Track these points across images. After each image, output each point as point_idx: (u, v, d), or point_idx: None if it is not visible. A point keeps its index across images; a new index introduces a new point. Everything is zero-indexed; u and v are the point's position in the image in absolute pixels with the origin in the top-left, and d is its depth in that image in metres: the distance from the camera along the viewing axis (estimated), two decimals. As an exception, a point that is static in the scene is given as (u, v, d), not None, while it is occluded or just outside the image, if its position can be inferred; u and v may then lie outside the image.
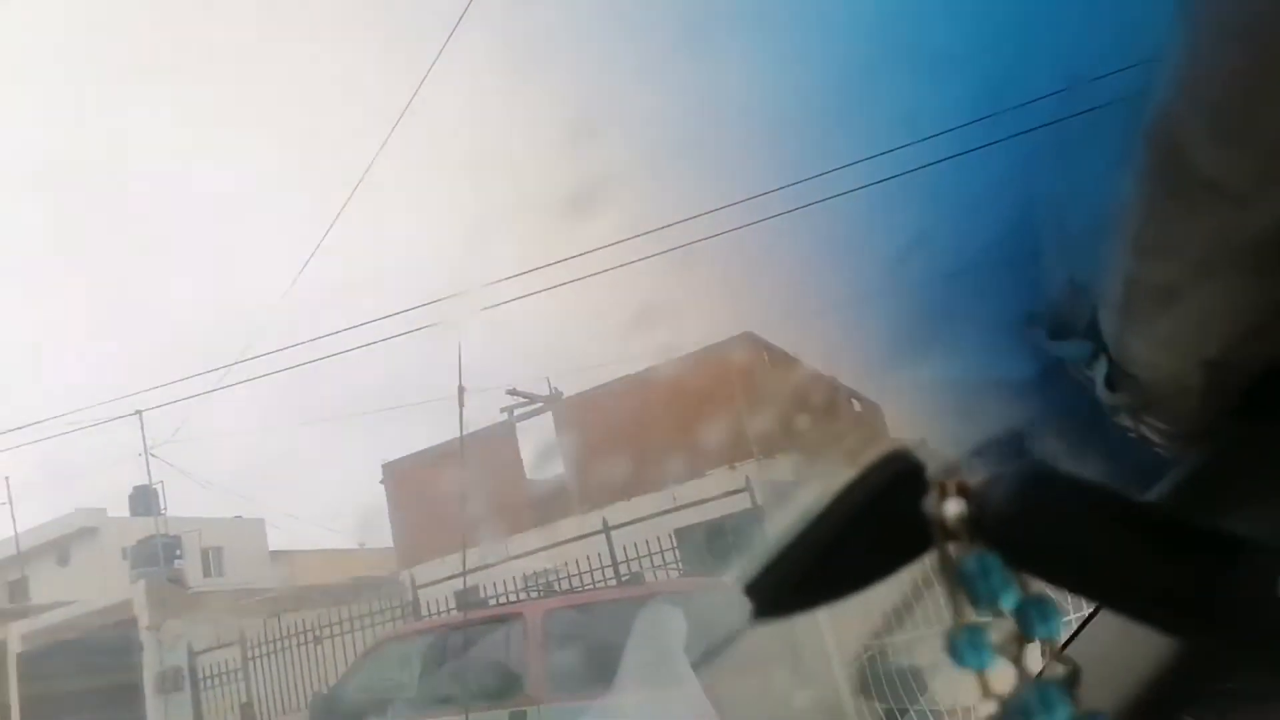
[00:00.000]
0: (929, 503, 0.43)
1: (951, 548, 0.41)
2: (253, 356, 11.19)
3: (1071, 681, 0.40)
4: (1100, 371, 0.72)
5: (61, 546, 21.43)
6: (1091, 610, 0.83)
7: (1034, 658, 0.41)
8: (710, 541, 10.72)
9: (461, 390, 5.94)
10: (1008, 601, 0.40)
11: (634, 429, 14.55)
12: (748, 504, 10.28)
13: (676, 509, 11.52)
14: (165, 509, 18.58)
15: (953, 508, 0.42)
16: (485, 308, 9.30)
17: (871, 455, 0.45)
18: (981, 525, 0.41)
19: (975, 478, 0.44)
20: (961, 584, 0.40)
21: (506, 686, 6.51)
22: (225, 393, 12.83)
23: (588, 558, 10.20)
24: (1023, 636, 0.40)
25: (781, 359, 15.91)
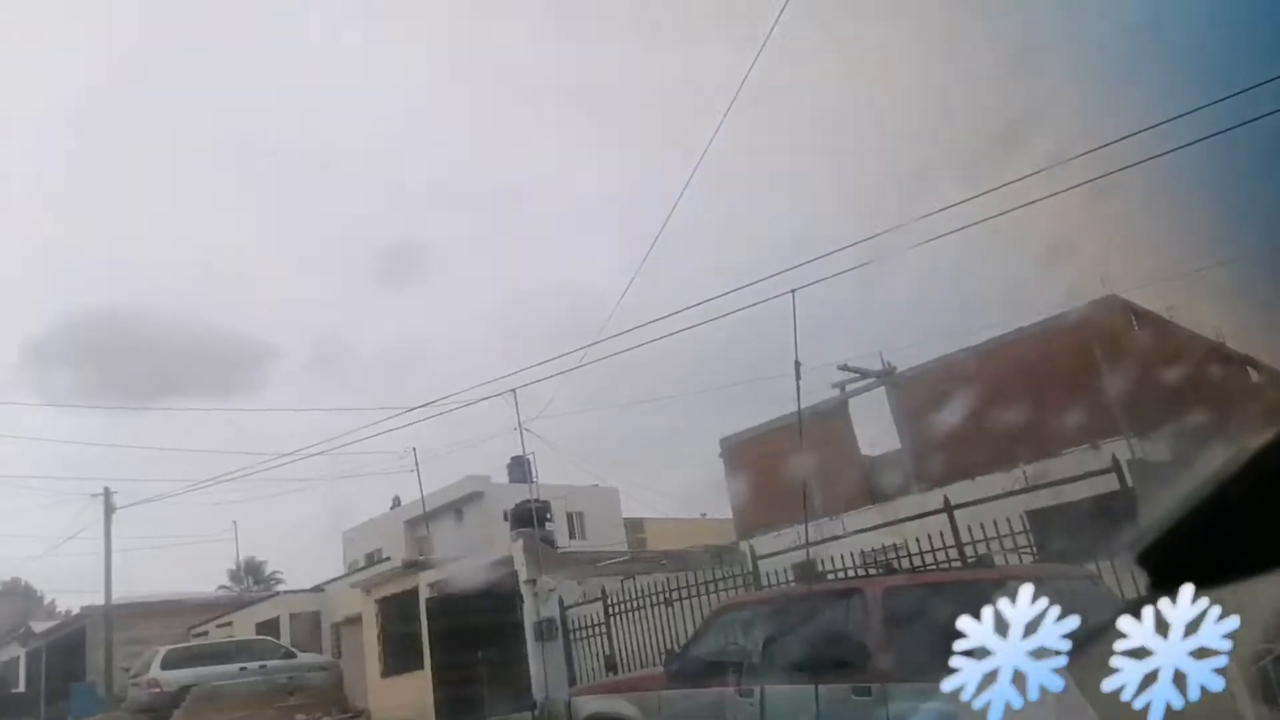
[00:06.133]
0: None
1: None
2: (608, 336, 12.09)
3: None
4: None
5: (457, 508, 25.08)
6: None
7: None
8: (1070, 526, 9.78)
9: (798, 365, 6.00)
10: None
11: (976, 404, 13.74)
12: (1115, 485, 9.20)
13: (1028, 489, 10.69)
14: (536, 477, 21.09)
15: None
16: (816, 281, 9.25)
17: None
18: None
19: None
20: None
21: (851, 661, 6.49)
22: (583, 372, 14.05)
23: (929, 536, 9.79)
24: None
25: (1154, 323, 14.07)
